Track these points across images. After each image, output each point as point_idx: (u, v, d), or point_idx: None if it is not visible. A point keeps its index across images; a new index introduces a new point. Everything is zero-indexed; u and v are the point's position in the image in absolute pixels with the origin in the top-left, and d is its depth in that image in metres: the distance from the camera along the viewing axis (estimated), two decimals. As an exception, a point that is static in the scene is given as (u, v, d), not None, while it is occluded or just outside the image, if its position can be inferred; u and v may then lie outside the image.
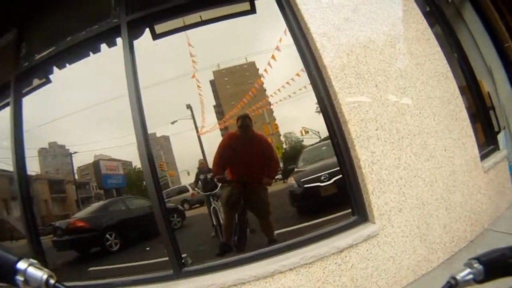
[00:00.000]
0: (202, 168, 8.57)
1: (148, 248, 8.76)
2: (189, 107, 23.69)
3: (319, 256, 2.70)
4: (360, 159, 2.86)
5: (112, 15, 3.79)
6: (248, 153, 4.71)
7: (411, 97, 3.12)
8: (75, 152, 26.97)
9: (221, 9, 3.94)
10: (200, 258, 3.51)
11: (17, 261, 0.79)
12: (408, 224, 2.93)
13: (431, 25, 3.54)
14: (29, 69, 4.21)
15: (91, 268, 6.62)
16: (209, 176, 7.98)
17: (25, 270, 0.79)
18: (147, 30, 3.96)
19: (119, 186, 26.14)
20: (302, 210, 7.29)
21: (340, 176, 3.25)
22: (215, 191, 7.18)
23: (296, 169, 8.53)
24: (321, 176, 6.85)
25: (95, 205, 15.21)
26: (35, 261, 0.81)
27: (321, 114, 3.16)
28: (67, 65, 4.39)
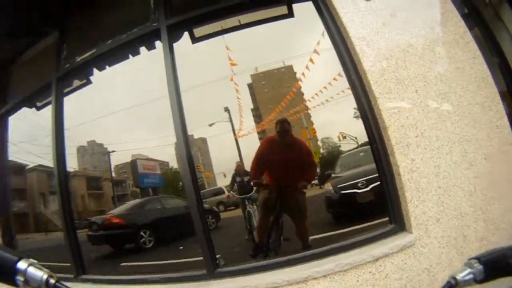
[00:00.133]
0: (239, 170, 8.52)
1: (181, 247, 8.87)
2: (227, 110, 23.85)
3: (354, 264, 2.66)
4: (399, 166, 2.80)
5: (151, 19, 3.87)
6: (286, 158, 4.68)
7: (451, 103, 3.01)
8: (113, 151, 27.75)
9: (259, 13, 3.96)
10: (233, 260, 3.50)
11: (17, 261, 0.81)
12: (445, 235, 2.83)
13: (470, 28, 3.40)
14: (70, 70, 4.36)
15: (123, 264, 6.73)
16: (245, 179, 7.92)
17: (25, 270, 0.80)
18: (186, 34, 4.01)
19: (156, 186, 26.70)
20: (337, 217, 7.22)
21: (378, 183, 3.19)
22: (250, 194, 7.16)
23: (333, 175, 8.41)
24: (358, 182, 6.78)
25: (131, 203, 15.54)
26: (35, 261, 0.83)
27: (359, 120, 3.12)
28: (107, 67, 4.53)
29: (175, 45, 3.69)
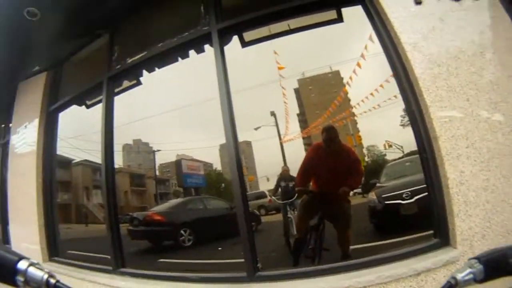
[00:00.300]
0: (285, 175, 8.41)
1: (220, 248, 8.90)
2: (273, 114, 23.85)
3: (396, 277, 2.58)
4: (448, 178, 2.68)
5: (202, 23, 3.94)
6: (332, 166, 4.59)
7: (503, 113, 2.84)
8: (158, 150, 28.42)
9: (309, 18, 3.94)
10: (270, 264, 3.50)
11: (18, 261, 0.81)
12: (489, 252, 2.69)
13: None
14: (121, 71, 4.53)
15: (161, 260, 6.82)
16: (290, 184, 7.84)
17: (26, 270, 0.81)
18: (236, 38, 4.05)
19: (199, 186, 27.21)
20: (380, 227, 7.01)
21: (423, 195, 3.10)
22: (292, 200, 7.08)
23: (378, 184, 8.22)
24: (403, 193, 6.56)
25: (174, 201, 15.85)
26: (35, 261, 0.83)
27: (405, 128, 3.05)
28: (156, 69, 4.66)
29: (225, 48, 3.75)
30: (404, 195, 6.53)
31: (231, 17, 3.79)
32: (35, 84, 5.66)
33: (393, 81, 3.21)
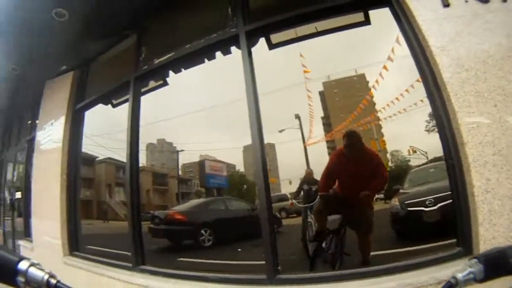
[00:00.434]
0: (308, 178, 8.29)
1: (239, 249, 8.91)
2: (297, 117, 23.79)
3: (417, 285, 2.53)
4: (474, 185, 2.61)
5: (229, 25, 3.99)
6: (354, 171, 4.57)
7: (530, 120, 2.79)
8: (182, 150, 28.73)
9: (336, 20, 3.91)
10: (289, 266, 3.48)
11: (18, 262, 0.81)
12: (512, 264, 2.62)
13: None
14: (148, 71, 4.61)
15: (180, 259, 6.85)
16: (313, 188, 7.71)
17: (26, 270, 0.81)
18: (263, 40, 4.06)
19: (221, 187, 27.52)
20: (401, 234, 6.91)
21: (446, 202, 3.03)
22: (313, 203, 7.00)
23: (401, 190, 8.12)
24: (426, 200, 6.46)
25: (196, 201, 15.99)
26: (36, 262, 0.83)
27: (430, 133, 3.01)
28: (182, 70, 4.75)
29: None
30: (427, 202, 6.42)
31: (258, 19, 3.81)
32: (62, 83, 5.82)
33: (418, 85, 3.18)
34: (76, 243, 5.25)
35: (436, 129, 3.02)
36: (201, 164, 27.44)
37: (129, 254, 4.23)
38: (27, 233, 7.17)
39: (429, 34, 2.90)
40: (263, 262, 3.19)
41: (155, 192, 26.08)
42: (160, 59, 4.48)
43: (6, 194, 10.29)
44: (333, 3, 3.52)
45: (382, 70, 8.32)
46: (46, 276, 0.81)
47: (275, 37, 4.20)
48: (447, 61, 2.82)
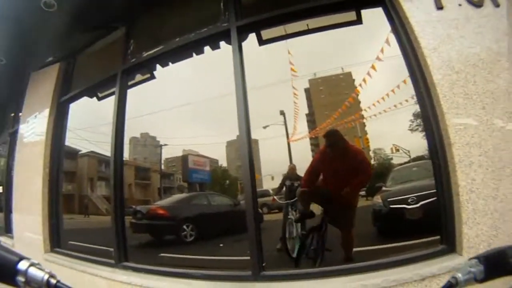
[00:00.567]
0: (291, 173, 8.17)
1: (221, 245, 8.91)
2: (282, 113, 23.79)
3: (401, 281, 2.58)
4: (459, 185, 2.68)
5: (221, 20, 3.95)
6: (338, 169, 4.63)
7: (517, 124, 2.86)
8: (165, 144, 28.49)
9: (328, 18, 3.93)
10: (271, 263, 3.50)
11: (18, 262, 0.81)
12: (494, 261, 2.68)
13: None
14: (136, 65, 4.56)
15: (162, 254, 6.83)
16: (295, 184, 7.59)
17: (26, 270, 0.80)
18: (253, 36, 4.05)
19: (204, 182, 27.49)
20: (383, 231, 7.00)
21: (428, 200, 3.08)
22: (293, 200, 6.97)
23: (383, 188, 8.19)
24: (408, 198, 6.55)
25: (178, 196, 15.96)
26: (36, 262, 0.82)
27: (413, 133, 3.04)
28: (170, 63, 4.69)
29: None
30: (409, 200, 6.51)
31: (250, 15, 3.80)
32: (48, 75, 5.70)
33: (403, 86, 3.22)
34: (57, 239, 5.16)
35: (420, 129, 3.08)
36: (184, 158, 27.34)
37: (111, 249, 4.19)
38: (7, 229, 7.01)
39: (421, 35, 2.94)
40: (246, 258, 3.19)
41: (137, 187, 25.91)
42: (149, 52, 4.42)
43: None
44: (326, 1, 3.54)
45: (370, 69, 8.37)
46: (46, 276, 0.80)
47: (266, 33, 4.19)
48: (438, 63, 2.86)
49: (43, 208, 5.12)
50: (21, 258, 0.82)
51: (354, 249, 4.62)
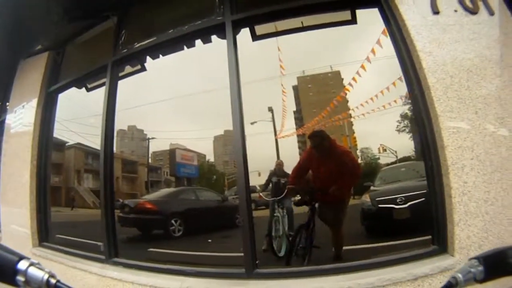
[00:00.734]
0: (278, 169, 7.99)
1: (210, 240, 8.89)
2: (270, 109, 23.71)
3: (395, 281, 2.62)
4: (452, 187, 2.73)
5: (216, 13, 3.91)
6: (326, 169, 4.69)
7: (508, 129, 2.89)
8: (152, 138, 28.23)
9: (323, 16, 3.95)
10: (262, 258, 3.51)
11: (18, 261, 0.81)
12: (484, 262, 2.73)
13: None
14: (127, 56, 4.48)
15: (151, 249, 6.80)
16: (282, 180, 7.47)
17: (26, 270, 0.80)
18: (246, 31, 4.02)
19: (191, 176, 27.34)
20: (370, 230, 7.05)
21: (416, 201, 3.11)
22: (280, 197, 6.92)
23: (372, 188, 8.25)
24: (397, 198, 6.61)
25: (166, 191, 15.84)
26: (36, 261, 0.82)
27: (400, 133, 3.08)
28: (160, 56, 4.61)
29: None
30: (398, 200, 6.58)
31: (245, 10, 3.80)
32: (36, 64, 5.55)
33: (392, 87, 3.25)
34: (45, 233, 5.07)
35: (407, 130, 3.11)
36: (172, 152, 27.18)
37: (99, 243, 4.15)
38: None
39: (417, 38, 2.98)
40: (235, 254, 3.20)
41: (124, 180, 25.62)
42: (141, 43, 4.36)
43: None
44: (323, 0, 3.56)
45: (360, 69, 8.38)
46: (46, 276, 0.81)
47: (260, 29, 4.19)
48: (433, 66, 2.90)
49: (30, 201, 5.02)
50: (21, 257, 0.82)
51: (343, 248, 4.68)
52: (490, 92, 2.90)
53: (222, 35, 3.78)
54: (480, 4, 3.03)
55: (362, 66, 8.19)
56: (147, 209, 10.96)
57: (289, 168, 7.22)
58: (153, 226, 10.70)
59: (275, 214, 6.91)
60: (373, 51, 5.70)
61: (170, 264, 3.58)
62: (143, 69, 5.04)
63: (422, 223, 3.10)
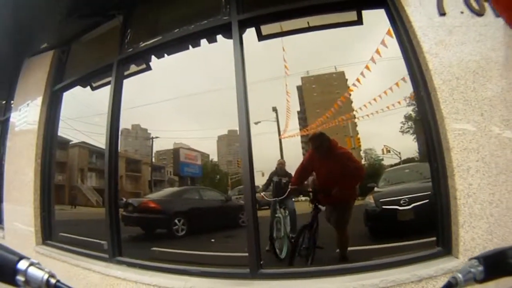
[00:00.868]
0: (280, 169, 7.79)
1: (213, 240, 8.89)
2: (275, 109, 23.68)
3: (399, 282, 2.62)
4: (457, 189, 2.72)
5: (222, 13, 3.91)
6: (326, 171, 4.77)
7: (514, 131, 2.91)
8: (156, 137, 28.26)
9: (329, 17, 3.94)
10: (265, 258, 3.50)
11: (18, 261, 0.81)
12: (488, 264, 2.73)
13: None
14: (133, 55, 4.49)
15: (154, 248, 6.79)
16: (283, 180, 7.37)
17: (26, 270, 0.80)
18: (251, 31, 4.01)
19: (195, 176, 27.40)
20: (374, 231, 7.04)
21: (420, 203, 3.10)
22: (282, 197, 6.83)
23: (376, 189, 8.23)
24: (400, 199, 6.60)
25: (170, 190, 15.84)
26: (35, 261, 0.82)
27: (404, 135, 3.06)
28: (165, 55, 4.61)
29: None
30: (401, 202, 6.57)
31: (252, 9, 3.80)
32: (41, 62, 5.58)
33: (395, 88, 3.24)
34: (49, 231, 5.08)
35: (411, 131, 3.10)
36: (175, 152, 27.22)
37: (103, 242, 4.17)
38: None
39: (423, 40, 2.97)
40: (238, 254, 3.20)
41: (128, 178, 25.65)
42: (147, 43, 4.36)
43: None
44: (329, 0, 3.56)
45: (364, 70, 8.35)
46: (46, 276, 0.81)
47: (265, 29, 4.20)
48: (439, 68, 2.89)
49: (34, 199, 5.03)
50: (21, 257, 0.82)
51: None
52: (495, 94, 2.89)
53: (228, 35, 3.79)
54: (486, 5, 3.01)
55: (367, 67, 8.17)
56: (150, 208, 10.95)
57: (291, 168, 7.20)
58: (156, 225, 10.70)
59: (276, 215, 6.79)
60: (377, 51, 5.69)
61: (173, 264, 3.57)
62: (148, 68, 5.05)
63: (426, 224, 3.09)
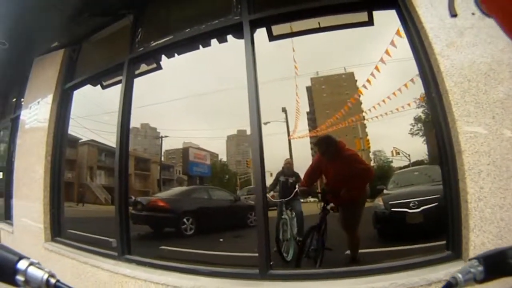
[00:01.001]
0: (287, 169, 7.64)
1: (221, 240, 8.89)
2: (284, 110, 23.67)
3: (408, 285, 2.60)
4: (468, 192, 2.69)
5: (233, 13, 3.92)
6: (335, 173, 4.77)
7: (525, 135, 2.87)
8: (165, 136, 28.39)
9: (339, 18, 3.92)
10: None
11: (18, 261, 0.81)
12: (498, 270, 2.70)
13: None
14: (144, 54, 4.52)
15: (163, 247, 6.82)
16: (290, 180, 7.29)
17: (26, 270, 0.80)
18: (262, 31, 4.01)
19: (204, 175, 27.55)
20: (383, 234, 6.99)
21: (429, 206, 3.08)
22: (288, 198, 6.78)
23: (385, 191, 8.18)
24: (410, 202, 6.56)
25: (179, 189, 15.90)
26: (35, 261, 0.83)
27: (413, 137, 3.04)
28: (176, 55, 4.63)
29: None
30: (411, 204, 6.52)
31: (263, 9, 3.79)
32: (52, 60, 5.64)
33: (404, 90, 3.22)
34: (58, 228, 5.13)
35: (420, 133, 3.08)
36: (185, 151, 27.37)
37: (111, 240, 4.21)
38: (7, 216, 6.98)
39: (435, 41, 2.94)
40: (247, 254, 3.20)
41: (137, 177, 25.78)
42: (158, 42, 4.39)
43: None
44: (340, 1, 3.55)
45: (374, 70, 8.31)
46: (46, 276, 0.81)
47: (276, 29, 4.19)
48: (451, 70, 2.86)
49: (44, 196, 5.09)
50: (21, 257, 0.82)
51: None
52: (507, 96, 2.85)
53: (238, 35, 3.80)
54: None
55: (376, 68, 8.14)
56: (159, 207, 11.01)
57: (300, 169, 7.20)
58: (165, 224, 10.74)
59: (282, 216, 6.73)
60: (387, 52, 5.66)
61: (181, 262, 3.58)
62: (159, 67, 5.06)
63: (435, 228, 3.07)
